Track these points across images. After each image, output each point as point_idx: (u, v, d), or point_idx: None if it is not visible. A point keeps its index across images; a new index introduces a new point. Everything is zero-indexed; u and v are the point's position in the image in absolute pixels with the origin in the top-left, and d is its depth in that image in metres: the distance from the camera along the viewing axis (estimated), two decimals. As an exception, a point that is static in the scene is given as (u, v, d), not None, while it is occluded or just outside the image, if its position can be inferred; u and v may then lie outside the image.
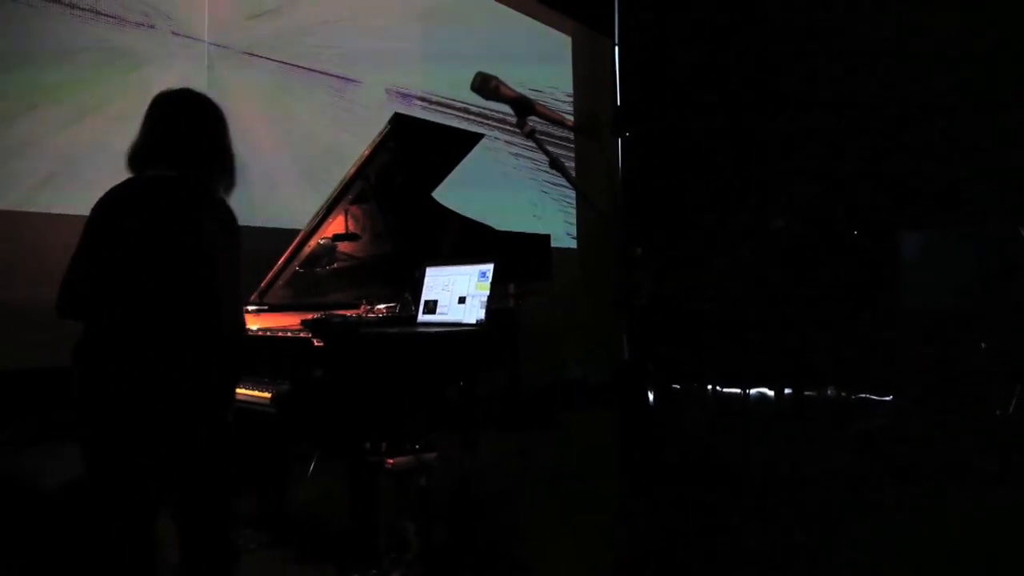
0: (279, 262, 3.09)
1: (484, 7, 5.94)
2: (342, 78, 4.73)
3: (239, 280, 1.83)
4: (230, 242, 1.79)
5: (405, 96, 5.15)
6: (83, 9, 3.57)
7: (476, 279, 2.54)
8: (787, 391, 5.43)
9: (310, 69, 4.55)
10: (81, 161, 3.54)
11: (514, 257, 3.04)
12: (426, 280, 2.68)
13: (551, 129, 5.90)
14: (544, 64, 6.61)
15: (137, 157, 1.82)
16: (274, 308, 3.08)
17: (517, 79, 1.65)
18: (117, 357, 1.69)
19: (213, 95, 1.94)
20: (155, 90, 1.91)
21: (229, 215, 1.81)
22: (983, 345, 4.69)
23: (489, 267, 2.52)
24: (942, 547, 2.85)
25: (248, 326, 2.86)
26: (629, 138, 6.97)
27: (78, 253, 1.76)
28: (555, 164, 1.60)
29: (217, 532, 1.84)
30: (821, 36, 5.91)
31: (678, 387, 6.12)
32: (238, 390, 2.40)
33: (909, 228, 5.48)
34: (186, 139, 1.82)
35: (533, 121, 1.62)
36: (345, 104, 4.74)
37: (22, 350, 3.23)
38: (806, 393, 5.43)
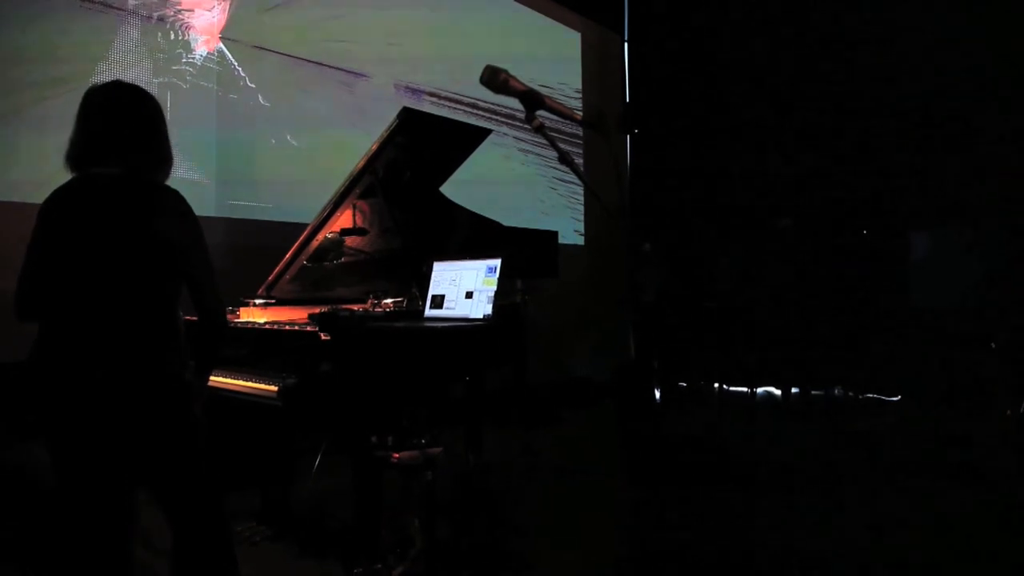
0: (286, 256, 3.09)
1: (494, 3, 5.92)
2: (351, 72, 4.73)
3: (211, 263, 1.84)
4: (192, 229, 1.80)
5: (415, 91, 5.14)
6: (92, 2, 3.58)
7: (483, 274, 2.53)
8: (794, 390, 5.41)
9: (320, 63, 4.55)
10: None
11: (521, 253, 3.03)
12: (433, 275, 2.68)
13: (560, 125, 5.90)
14: (553, 60, 6.59)
15: (78, 156, 1.79)
16: (281, 302, 3.08)
17: (526, 75, 1.64)
18: (77, 356, 1.69)
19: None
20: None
21: (183, 203, 1.80)
22: (993, 345, 4.66)
23: (496, 262, 2.51)
24: (943, 546, 2.83)
25: (255, 319, 2.88)
26: (638, 135, 6.96)
27: (28, 258, 1.75)
28: (564, 159, 1.58)
29: (204, 522, 1.84)
30: (828, 37, 5.88)
31: (684, 384, 6.11)
32: (246, 383, 2.43)
33: (918, 227, 5.45)
34: (125, 133, 1.79)
35: (542, 116, 1.60)
36: (354, 98, 4.74)
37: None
38: (813, 392, 5.41)
